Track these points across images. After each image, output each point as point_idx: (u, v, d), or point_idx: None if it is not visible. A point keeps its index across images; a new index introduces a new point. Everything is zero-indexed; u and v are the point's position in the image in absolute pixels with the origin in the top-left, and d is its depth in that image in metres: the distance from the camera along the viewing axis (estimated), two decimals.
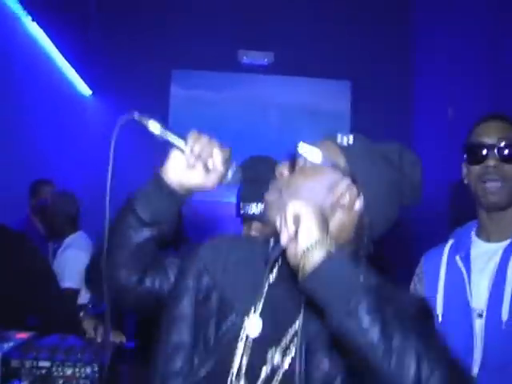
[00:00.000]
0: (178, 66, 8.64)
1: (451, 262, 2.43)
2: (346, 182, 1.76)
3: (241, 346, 1.72)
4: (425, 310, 1.64)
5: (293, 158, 1.82)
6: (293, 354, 1.66)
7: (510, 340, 2.13)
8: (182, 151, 1.81)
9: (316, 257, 1.46)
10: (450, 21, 7.67)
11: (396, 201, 1.84)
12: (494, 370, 2.15)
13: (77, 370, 2.60)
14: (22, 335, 2.90)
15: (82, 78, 8.02)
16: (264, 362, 1.69)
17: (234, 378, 1.69)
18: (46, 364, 2.60)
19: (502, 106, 5.88)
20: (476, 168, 2.38)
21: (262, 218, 2.69)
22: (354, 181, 1.76)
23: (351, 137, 1.84)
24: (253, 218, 2.98)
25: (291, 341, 1.69)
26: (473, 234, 2.46)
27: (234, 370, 1.69)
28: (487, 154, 2.34)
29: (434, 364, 1.37)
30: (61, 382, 2.58)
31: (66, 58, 7.25)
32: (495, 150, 2.32)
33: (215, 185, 1.84)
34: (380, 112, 8.54)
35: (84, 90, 8.42)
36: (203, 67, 8.57)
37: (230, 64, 8.71)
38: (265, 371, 1.68)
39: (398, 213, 1.85)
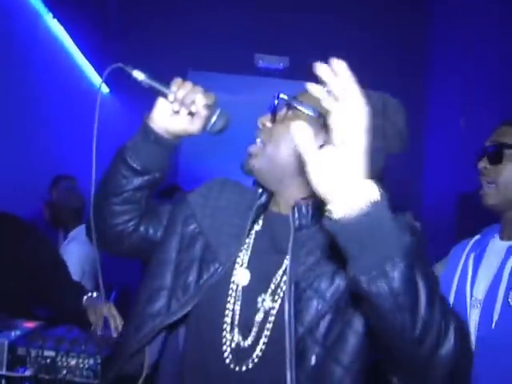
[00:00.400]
0: (195, 67, 8.65)
1: (468, 257, 2.47)
2: (324, 134, 1.74)
3: (231, 297, 1.75)
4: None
5: (274, 110, 1.86)
6: (282, 295, 1.68)
7: (499, 340, 2.15)
8: (166, 97, 1.87)
9: (361, 199, 1.27)
10: (464, 32, 7.66)
11: (381, 147, 1.81)
12: (484, 364, 2.09)
13: (80, 360, 2.61)
14: (29, 324, 2.92)
15: (100, 76, 8.04)
16: (256, 310, 1.71)
17: (228, 330, 1.73)
18: (51, 353, 2.61)
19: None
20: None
21: None
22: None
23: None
24: None
25: (279, 284, 1.71)
26: (497, 232, 2.47)
27: (227, 322, 1.73)
28: (481, 158, 2.42)
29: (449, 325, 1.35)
30: (64, 371, 2.58)
31: (85, 57, 7.30)
32: (485, 154, 2.40)
33: (200, 129, 1.89)
34: None
35: (102, 87, 8.38)
36: (219, 69, 8.59)
37: (246, 67, 8.72)
38: (258, 317, 1.70)
39: (384, 161, 1.83)
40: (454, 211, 7.29)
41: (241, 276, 1.77)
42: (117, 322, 3.16)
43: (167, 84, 1.88)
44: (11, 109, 5.17)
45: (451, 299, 2.41)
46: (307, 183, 1.56)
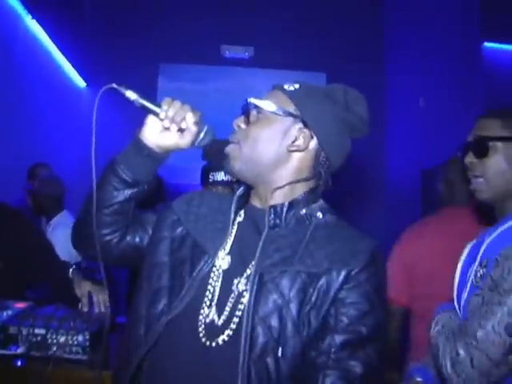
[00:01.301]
0: (166, 59, 8.65)
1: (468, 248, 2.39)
2: (297, 126, 1.82)
3: (212, 279, 1.79)
4: None
5: (247, 112, 1.87)
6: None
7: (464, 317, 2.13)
8: (158, 115, 1.87)
9: None
10: (421, 11, 7.68)
11: (346, 135, 1.89)
12: None
13: (69, 337, 2.63)
14: (20, 305, 2.94)
15: (77, 71, 8.02)
16: (230, 291, 1.75)
17: (206, 307, 1.75)
18: (42, 331, 2.64)
19: (470, 96, 5.92)
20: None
21: (226, 183, 3.43)
22: (305, 123, 1.81)
23: (297, 84, 1.89)
24: (220, 183, 3.63)
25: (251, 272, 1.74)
26: None
27: (207, 300, 1.76)
28: (465, 152, 2.29)
29: None
30: (55, 348, 2.60)
31: (62, 53, 7.29)
32: (470, 148, 2.27)
33: (189, 144, 1.92)
34: None
35: (79, 82, 8.40)
36: (189, 61, 8.59)
37: (214, 58, 8.71)
38: (231, 298, 1.74)
39: (349, 146, 1.92)
40: (416, 186, 7.34)
41: (222, 260, 1.81)
42: (99, 297, 3.18)
43: (158, 103, 1.89)
44: None
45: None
46: (283, 175, 1.83)
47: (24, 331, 2.63)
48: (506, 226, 2.11)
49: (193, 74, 8.69)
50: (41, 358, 2.57)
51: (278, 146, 1.81)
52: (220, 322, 1.72)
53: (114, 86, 1.92)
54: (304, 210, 1.82)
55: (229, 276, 1.78)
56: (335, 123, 1.84)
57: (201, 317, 1.74)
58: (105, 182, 1.95)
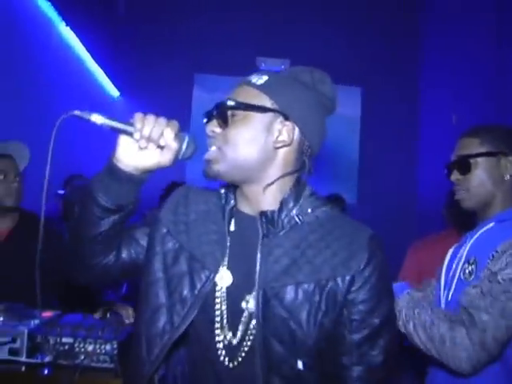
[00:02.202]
0: (201, 70, 8.70)
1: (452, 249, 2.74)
2: (278, 120, 1.78)
3: (218, 298, 1.76)
4: None
5: (219, 115, 1.79)
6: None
7: (452, 309, 2.40)
8: (132, 136, 1.72)
9: None
10: (458, 29, 7.64)
11: (322, 116, 1.90)
12: None
13: (97, 346, 2.65)
14: (47, 313, 2.97)
15: (110, 80, 8.09)
16: (241, 310, 1.74)
17: (219, 328, 1.76)
18: (69, 340, 2.66)
19: (505, 112, 5.87)
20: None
21: None
22: (284, 115, 1.78)
23: (264, 75, 1.85)
24: None
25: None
26: None
27: (217, 320, 1.75)
28: (451, 171, 2.61)
29: None
30: (82, 357, 2.63)
31: (96, 62, 7.35)
32: (454, 166, 2.60)
33: (172, 161, 1.77)
34: (388, 117, 8.59)
35: (112, 91, 8.51)
36: (224, 72, 8.63)
37: (249, 69, 8.70)
38: (244, 317, 1.74)
39: (326, 127, 1.91)
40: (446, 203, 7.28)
41: (224, 277, 1.78)
42: (129, 312, 3.22)
43: (129, 122, 1.72)
44: (28, 113, 5.22)
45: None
46: (271, 173, 1.79)
47: (51, 340, 2.66)
48: (485, 228, 2.47)
49: (228, 85, 8.67)
50: (68, 366, 2.60)
51: (264, 144, 1.77)
52: (236, 342, 1.74)
53: (76, 113, 1.78)
54: (294, 211, 1.79)
55: (234, 293, 1.77)
56: (312, 108, 1.85)
57: (217, 338, 1.76)
58: (87, 212, 1.84)
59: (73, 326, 2.75)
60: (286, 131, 1.78)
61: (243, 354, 1.72)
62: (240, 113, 1.77)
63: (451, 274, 2.53)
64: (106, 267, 1.92)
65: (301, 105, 1.81)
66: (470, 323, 2.18)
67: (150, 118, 1.71)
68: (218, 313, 1.76)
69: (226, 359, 1.74)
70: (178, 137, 1.74)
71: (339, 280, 1.69)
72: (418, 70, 8.98)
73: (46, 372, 2.55)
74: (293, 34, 8.65)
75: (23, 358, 2.62)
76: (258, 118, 1.76)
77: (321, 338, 1.68)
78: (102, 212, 1.80)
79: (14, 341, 2.63)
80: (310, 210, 1.81)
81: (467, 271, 2.40)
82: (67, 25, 6.10)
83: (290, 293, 1.69)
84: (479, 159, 2.52)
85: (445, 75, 8.09)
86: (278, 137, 1.77)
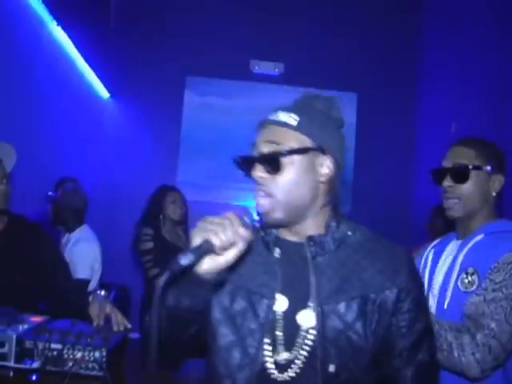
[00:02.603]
0: (192, 72, 8.69)
1: (429, 252, 2.92)
2: (320, 157, 1.90)
3: (278, 321, 1.89)
4: None
5: (269, 163, 1.87)
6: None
7: (450, 318, 2.51)
8: (213, 251, 1.69)
9: None
10: (456, 36, 7.67)
11: (343, 138, 2.00)
12: None
13: (86, 353, 2.65)
14: (36, 319, 2.96)
15: (101, 81, 8.08)
16: (297, 330, 1.88)
17: (274, 346, 1.88)
18: (58, 346, 2.66)
19: (504, 121, 5.89)
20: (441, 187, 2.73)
21: None
22: (321, 149, 1.89)
23: (293, 114, 1.91)
24: None
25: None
26: (455, 237, 2.82)
27: (279, 341, 1.89)
28: (444, 177, 2.69)
29: None
30: (71, 363, 2.62)
31: (87, 62, 7.32)
32: (449, 173, 2.67)
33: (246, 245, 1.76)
34: (384, 123, 8.61)
35: (103, 92, 8.48)
36: (216, 75, 8.63)
37: (242, 73, 8.75)
38: (301, 333, 1.87)
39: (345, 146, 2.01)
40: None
41: (280, 302, 1.90)
42: (118, 317, 3.20)
43: (206, 243, 1.67)
44: (16, 113, 5.21)
45: None
46: (317, 205, 1.92)
47: (40, 345, 2.65)
48: (475, 239, 2.60)
49: (220, 89, 8.73)
50: (56, 373, 2.59)
51: (312, 182, 1.89)
52: (291, 357, 1.86)
53: (181, 262, 1.63)
54: (337, 234, 1.93)
55: (290, 314, 1.89)
56: (337, 135, 1.96)
57: (276, 357, 1.87)
58: (174, 329, 1.84)
59: (62, 332, 2.75)
60: (326, 165, 1.90)
61: (299, 368, 1.85)
62: (286, 158, 1.85)
63: (441, 281, 2.67)
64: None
65: (330, 135, 1.92)
66: (476, 329, 2.34)
67: (217, 227, 1.69)
68: (278, 333, 1.88)
69: (278, 372, 1.86)
70: (246, 225, 1.74)
71: (387, 292, 1.86)
72: (415, 75, 8.99)
73: (34, 378, 2.54)
74: (287, 37, 8.68)
75: (11, 363, 2.62)
76: (305, 160, 1.87)
77: (376, 345, 1.85)
78: (185, 325, 1.86)
79: (2, 345, 2.63)
80: (350, 233, 1.95)
81: (466, 281, 2.53)
82: (58, 24, 6.07)
83: (344, 307, 1.85)
84: (474, 171, 2.63)
85: (443, 81, 8.11)
86: (321, 172, 1.90)
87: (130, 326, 3.17)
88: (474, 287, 2.47)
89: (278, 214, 1.86)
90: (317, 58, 8.72)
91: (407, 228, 8.19)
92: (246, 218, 1.76)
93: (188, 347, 1.98)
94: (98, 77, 7.92)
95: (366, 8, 8.89)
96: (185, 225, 5.75)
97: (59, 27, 6.13)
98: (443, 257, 2.76)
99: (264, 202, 1.86)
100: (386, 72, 8.83)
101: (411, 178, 8.57)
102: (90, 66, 7.46)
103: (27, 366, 2.61)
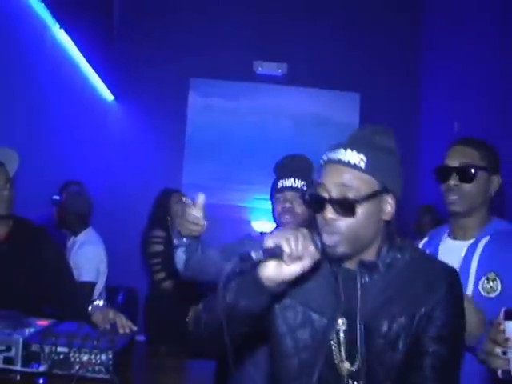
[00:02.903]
0: (196, 74, 8.69)
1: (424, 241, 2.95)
2: (386, 197, 2.04)
3: (335, 339, 2.08)
4: None
5: (342, 208, 1.97)
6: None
7: None
8: (281, 258, 1.81)
9: None
10: (458, 36, 7.66)
11: (400, 169, 2.14)
12: None
13: (93, 356, 2.64)
14: (43, 322, 2.96)
15: (105, 83, 8.07)
16: (356, 346, 2.04)
17: (340, 364, 2.07)
18: (64, 349, 2.65)
19: (507, 120, 5.88)
20: (443, 186, 2.76)
21: (295, 189, 3.24)
22: (387, 190, 2.02)
23: (361, 154, 1.99)
24: (289, 189, 3.28)
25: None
26: (445, 233, 2.87)
27: (338, 355, 2.08)
28: (450, 175, 2.72)
29: None
30: (77, 366, 2.62)
31: (90, 65, 7.31)
32: (455, 172, 2.70)
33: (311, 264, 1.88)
34: (387, 123, 8.49)
35: (107, 95, 8.49)
36: (220, 76, 8.63)
37: (246, 74, 8.75)
38: (359, 351, 2.03)
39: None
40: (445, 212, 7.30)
41: (341, 322, 2.06)
42: (122, 320, 3.20)
43: (277, 247, 1.80)
44: (19, 117, 5.21)
45: None
46: (377, 237, 2.06)
47: (46, 349, 2.64)
48: (483, 241, 2.66)
49: (223, 90, 8.73)
50: (63, 376, 2.59)
51: (376, 222, 2.03)
52: (355, 369, 2.05)
53: (253, 255, 1.78)
54: (388, 259, 2.08)
55: (350, 335, 2.05)
56: (398, 169, 2.11)
57: (341, 370, 2.06)
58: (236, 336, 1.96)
59: (68, 335, 2.74)
60: (389, 203, 2.05)
61: (364, 378, 2.03)
62: (359, 204, 1.96)
63: None
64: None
65: (392, 172, 2.07)
66: None
67: (291, 236, 1.81)
68: (341, 354, 2.07)
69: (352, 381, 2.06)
70: (314, 243, 1.86)
71: (423, 309, 1.99)
72: (417, 75, 8.99)
73: (41, 381, 2.52)
74: (290, 38, 8.69)
75: (18, 367, 2.61)
76: (373, 203, 1.99)
77: (409, 354, 1.99)
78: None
79: (8, 349, 2.62)
80: (399, 255, 2.09)
81: (488, 286, 2.54)
82: (61, 27, 6.06)
83: (386, 325, 2.00)
84: (479, 172, 2.67)
85: (446, 81, 8.10)
86: (385, 211, 2.04)
87: (135, 328, 3.16)
88: (497, 293, 2.50)
89: (344, 250, 1.98)
90: (319, 59, 8.72)
91: (412, 227, 8.17)
92: (317, 239, 1.87)
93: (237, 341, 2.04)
94: (102, 79, 7.91)
95: (367, 8, 8.89)
96: None
97: (62, 30, 6.11)
98: (443, 258, 2.60)
99: (332, 239, 1.96)
100: (389, 72, 8.83)
101: (415, 178, 8.55)
102: (93, 68, 7.45)
103: (34, 370, 2.60)
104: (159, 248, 5.41)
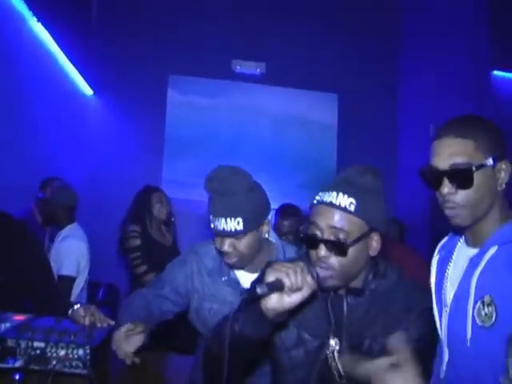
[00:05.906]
0: (175, 71, 8.68)
1: (434, 257, 2.39)
2: (372, 236, 2.22)
3: (330, 358, 2.29)
4: None
5: (335, 249, 2.14)
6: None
7: (474, 359, 2.05)
8: (281, 290, 2.01)
9: None
10: (436, 37, 7.70)
11: (384, 207, 2.28)
12: (459, 375, 2.13)
13: (70, 351, 2.60)
14: (19, 317, 2.91)
15: (84, 78, 8.02)
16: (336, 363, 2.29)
17: (339, 379, 2.26)
18: (41, 345, 2.59)
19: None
20: (436, 193, 2.14)
21: (234, 234, 2.69)
22: (374, 229, 2.20)
23: (351, 198, 2.15)
24: (224, 234, 2.72)
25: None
26: (462, 238, 2.28)
27: (338, 374, 2.27)
28: (440, 182, 2.07)
29: None
30: (54, 362, 2.57)
31: (69, 59, 7.26)
32: (446, 177, 2.06)
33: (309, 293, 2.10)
34: (365, 124, 8.65)
35: (86, 89, 8.43)
36: (199, 74, 8.62)
37: (224, 72, 8.77)
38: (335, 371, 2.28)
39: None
40: (425, 212, 7.32)
41: (332, 344, 2.29)
42: (101, 317, 3.14)
43: (278, 281, 2.00)
44: None
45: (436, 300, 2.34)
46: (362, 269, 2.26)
47: (22, 344, 2.59)
48: (491, 251, 2.05)
49: (202, 88, 8.74)
50: (40, 371, 2.54)
51: (365, 258, 2.22)
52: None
53: (258, 290, 1.97)
54: (372, 284, 2.28)
55: (341, 351, 2.27)
56: (383, 207, 2.25)
57: None
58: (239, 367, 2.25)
59: (45, 330, 2.69)
60: (375, 240, 2.22)
61: None
62: (350, 242, 2.14)
63: (453, 303, 2.15)
64: None
65: (378, 212, 2.22)
66: None
67: (290, 270, 2.01)
68: (338, 370, 2.27)
69: None
70: (311, 274, 2.08)
71: (401, 328, 2.19)
72: (395, 76, 9.03)
73: (17, 377, 2.49)
74: (269, 37, 8.73)
75: None
76: (362, 243, 2.17)
77: None
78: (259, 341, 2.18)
79: None
80: (383, 281, 2.29)
81: (483, 313, 2.00)
82: (39, 20, 6.01)
83: (367, 344, 2.23)
84: (478, 172, 2.01)
85: (424, 82, 8.13)
86: (372, 247, 2.23)
87: (113, 322, 3.11)
88: (492, 321, 1.95)
89: (335, 283, 2.19)
90: (298, 59, 8.75)
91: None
92: (313, 270, 2.08)
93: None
94: (81, 74, 7.86)
95: (346, 9, 8.95)
96: (169, 224, 5.72)
97: (39, 23, 6.06)
98: (450, 267, 2.25)
99: (325, 274, 2.14)
100: (367, 73, 8.87)
101: (395, 177, 8.58)
102: (72, 63, 7.40)
103: (10, 365, 2.55)
104: (137, 242, 5.37)
